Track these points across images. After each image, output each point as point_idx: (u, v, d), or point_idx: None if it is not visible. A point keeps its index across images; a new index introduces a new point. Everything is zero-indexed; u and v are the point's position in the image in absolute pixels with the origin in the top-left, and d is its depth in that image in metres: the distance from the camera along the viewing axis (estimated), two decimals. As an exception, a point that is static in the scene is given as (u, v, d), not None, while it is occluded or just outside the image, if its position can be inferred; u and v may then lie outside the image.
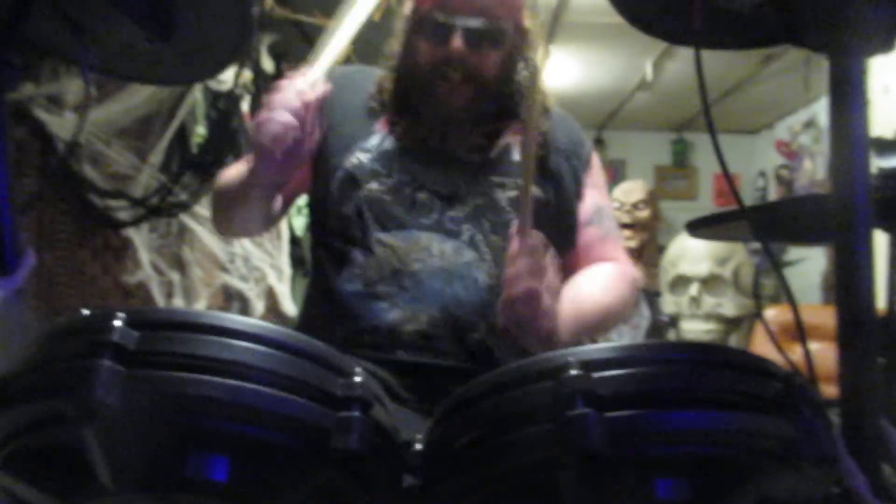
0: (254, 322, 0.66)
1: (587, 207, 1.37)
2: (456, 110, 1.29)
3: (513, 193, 1.29)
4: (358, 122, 1.33)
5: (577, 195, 1.37)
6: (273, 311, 3.61)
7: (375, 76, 1.39)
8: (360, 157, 1.29)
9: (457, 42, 1.24)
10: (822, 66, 0.82)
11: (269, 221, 1.39)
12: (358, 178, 1.28)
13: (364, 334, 1.19)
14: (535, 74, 1.22)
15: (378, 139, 1.32)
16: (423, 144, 1.31)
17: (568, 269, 1.35)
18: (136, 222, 2.63)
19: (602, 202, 1.40)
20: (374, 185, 1.27)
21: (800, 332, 0.81)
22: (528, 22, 1.35)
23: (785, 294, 0.83)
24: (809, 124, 5.28)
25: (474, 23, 1.24)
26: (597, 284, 1.30)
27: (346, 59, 3.41)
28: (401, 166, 1.28)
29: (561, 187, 1.35)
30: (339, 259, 1.27)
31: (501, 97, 1.32)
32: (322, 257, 1.32)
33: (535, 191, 1.30)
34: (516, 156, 1.33)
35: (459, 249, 1.24)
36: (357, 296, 1.23)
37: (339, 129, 1.33)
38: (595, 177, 1.41)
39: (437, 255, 1.23)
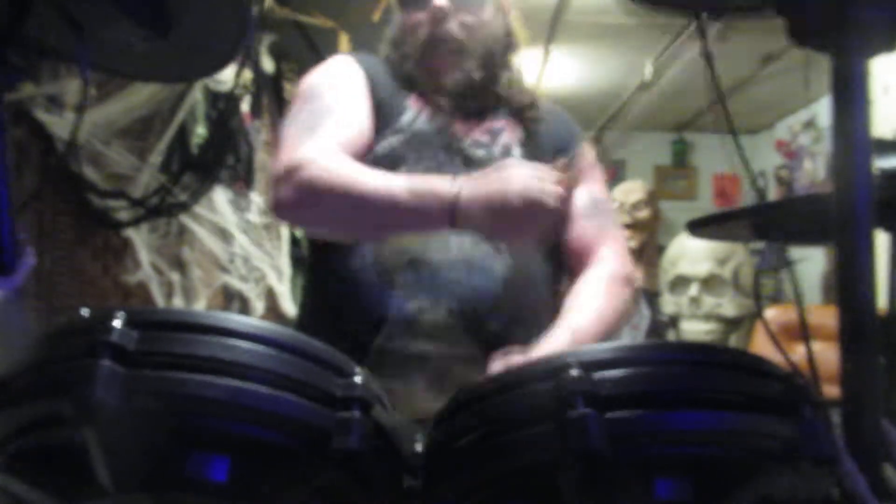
0: (254, 322, 0.66)
1: (581, 200, 1.35)
2: (444, 77, 1.30)
3: None
4: (387, 101, 1.32)
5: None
6: (273, 311, 3.61)
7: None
8: (391, 141, 1.28)
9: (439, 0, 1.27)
10: (822, 66, 0.82)
11: None
12: (388, 164, 1.25)
13: (380, 324, 1.19)
14: None
15: (411, 116, 1.31)
16: (445, 133, 1.31)
17: (565, 262, 1.36)
18: (135, 222, 2.62)
19: (597, 194, 1.38)
20: (403, 171, 1.24)
21: (804, 331, 0.81)
22: (512, 15, 1.38)
23: (793, 294, 0.83)
24: (809, 124, 5.28)
25: None
26: (590, 307, 1.24)
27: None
28: (429, 154, 1.27)
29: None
30: (353, 246, 1.25)
31: (492, 86, 1.34)
32: (330, 244, 1.29)
33: None
34: (517, 153, 1.34)
35: (477, 241, 1.23)
36: (372, 286, 1.22)
37: (374, 112, 1.31)
38: (588, 168, 1.39)
39: (454, 246, 1.22)
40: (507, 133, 1.35)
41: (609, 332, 1.25)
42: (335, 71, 1.34)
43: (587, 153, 1.42)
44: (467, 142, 1.32)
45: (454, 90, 1.32)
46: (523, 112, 1.37)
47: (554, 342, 1.17)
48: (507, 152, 1.33)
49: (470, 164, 1.29)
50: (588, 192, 1.36)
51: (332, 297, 1.28)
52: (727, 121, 0.82)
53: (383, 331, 1.19)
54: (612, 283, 1.29)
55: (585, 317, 1.23)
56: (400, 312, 1.20)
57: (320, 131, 1.21)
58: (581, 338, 1.19)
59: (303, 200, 1.15)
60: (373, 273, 1.22)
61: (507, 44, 1.38)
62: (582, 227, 1.34)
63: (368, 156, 1.26)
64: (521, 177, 1.03)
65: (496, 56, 1.35)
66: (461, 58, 1.30)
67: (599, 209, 1.36)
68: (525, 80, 1.42)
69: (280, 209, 1.19)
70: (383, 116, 1.31)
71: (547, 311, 1.30)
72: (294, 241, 3.86)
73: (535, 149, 1.36)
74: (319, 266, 1.36)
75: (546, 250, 1.32)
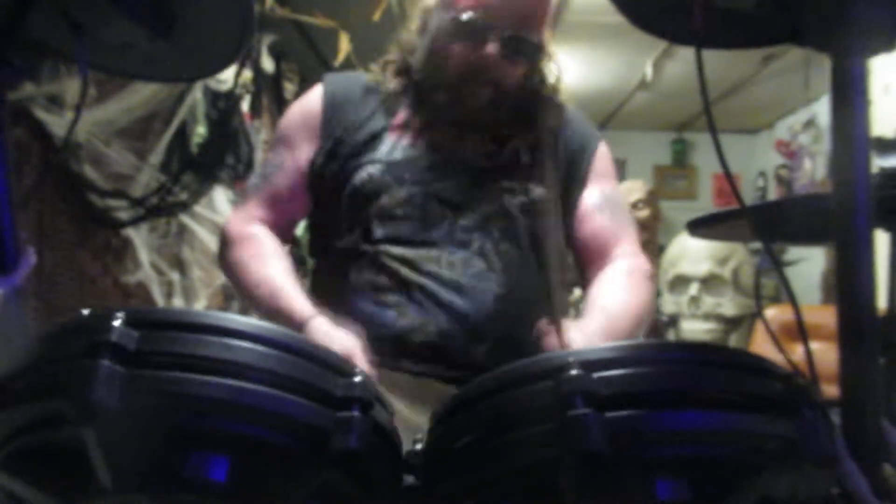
0: (254, 322, 0.66)
1: (593, 196, 1.35)
2: (472, 113, 1.28)
3: (522, 198, 1.29)
4: (365, 133, 1.31)
5: (583, 186, 1.36)
6: (273, 311, 3.60)
7: (370, 79, 1.37)
8: (369, 171, 1.27)
9: (492, 48, 1.23)
10: (822, 66, 0.82)
11: None
12: (368, 193, 1.26)
13: (370, 342, 1.16)
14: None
15: (388, 146, 1.29)
16: (434, 149, 1.29)
17: (578, 258, 1.35)
18: (136, 222, 2.62)
19: (610, 191, 1.38)
20: (385, 200, 1.25)
21: (801, 331, 0.81)
22: (547, 35, 1.36)
23: (786, 294, 0.83)
24: (809, 124, 5.28)
25: (513, 32, 1.24)
26: (620, 298, 1.23)
27: (347, 60, 3.41)
28: (412, 176, 1.27)
29: (568, 186, 1.35)
30: (347, 267, 1.26)
31: (516, 104, 1.31)
32: (327, 265, 1.32)
33: (534, 192, 1.30)
34: (525, 159, 1.32)
35: (469, 260, 1.23)
36: (365, 303, 1.22)
37: (345, 143, 1.31)
38: (603, 167, 1.39)
39: (446, 266, 1.22)
40: (517, 138, 1.33)
41: (640, 325, 1.22)
42: (296, 117, 1.39)
43: (603, 153, 1.41)
44: (472, 152, 1.30)
45: (472, 119, 1.30)
46: (540, 124, 1.35)
47: (588, 324, 1.14)
48: (514, 158, 1.32)
49: (473, 173, 1.29)
50: (600, 190, 1.36)
51: (328, 310, 1.27)
52: (710, 126, 0.82)
53: (374, 348, 1.17)
54: (636, 278, 1.28)
55: (617, 305, 1.20)
56: (390, 331, 1.19)
57: (259, 197, 1.36)
58: (614, 324, 1.16)
59: (226, 274, 1.37)
60: (368, 296, 1.22)
61: (543, 61, 1.36)
62: (594, 223, 1.34)
63: (348, 186, 1.27)
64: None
65: (531, 93, 1.34)
66: (496, 99, 1.28)
67: (611, 205, 1.36)
68: (556, 86, 1.39)
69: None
70: (353, 147, 1.30)
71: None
72: (294, 242, 3.85)
73: (550, 154, 1.34)
74: (316, 285, 1.37)
75: (545, 261, 1.31)
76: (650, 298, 1.28)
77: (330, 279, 1.29)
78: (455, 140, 1.30)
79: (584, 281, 1.34)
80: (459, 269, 1.22)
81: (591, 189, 1.36)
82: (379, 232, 1.24)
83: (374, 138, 1.30)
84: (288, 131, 1.37)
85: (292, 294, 1.20)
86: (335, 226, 1.30)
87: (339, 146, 1.31)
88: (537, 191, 1.30)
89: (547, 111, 1.36)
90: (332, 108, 1.34)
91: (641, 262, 1.33)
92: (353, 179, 1.27)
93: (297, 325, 1.15)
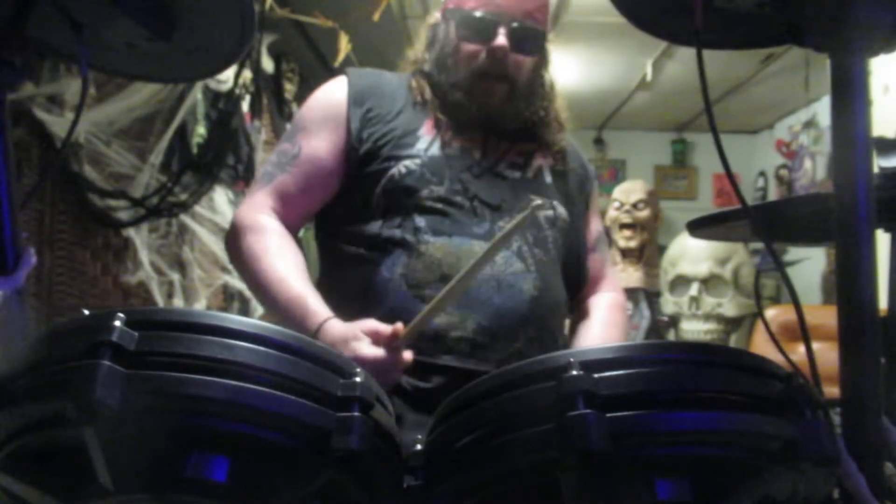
0: (254, 322, 0.66)
1: (592, 234, 1.47)
2: (491, 110, 1.32)
3: (549, 212, 1.34)
4: (400, 128, 1.33)
5: (585, 219, 1.45)
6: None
7: (403, 79, 1.39)
8: (407, 165, 1.29)
9: (500, 39, 1.28)
10: (822, 66, 0.82)
11: None
12: (409, 185, 1.27)
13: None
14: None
15: (425, 143, 1.32)
16: (468, 154, 1.33)
17: (579, 288, 1.45)
18: (136, 222, 2.62)
19: (600, 228, 1.51)
20: (426, 193, 1.27)
21: (803, 331, 0.81)
22: (549, 36, 1.40)
23: (789, 294, 0.83)
24: (809, 124, 5.28)
25: (519, 23, 1.29)
26: (602, 336, 1.40)
27: (347, 60, 3.41)
28: (451, 174, 1.29)
29: (575, 207, 1.41)
30: (378, 256, 1.26)
31: (528, 111, 1.36)
32: (346, 254, 1.30)
33: (558, 209, 1.37)
34: (548, 178, 1.38)
35: (508, 259, 1.26)
36: (402, 297, 1.22)
37: (378, 135, 1.32)
38: (596, 201, 1.52)
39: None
40: (539, 157, 1.39)
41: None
42: (318, 107, 1.37)
43: (596, 184, 1.52)
44: (503, 163, 1.34)
45: (501, 121, 1.34)
46: (553, 145, 1.41)
47: None
48: (539, 175, 1.37)
49: (506, 182, 1.33)
50: (595, 228, 1.48)
51: (356, 307, 1.25)
52: (712, 128, 0.83)
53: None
54: (615, 311, 1.45)
55: (595, 339, 1.38)
56: (428, 326, 1.19)
57: (273, 186, 1.33)
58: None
59: (235, 265, 1.35)
60: (402, 285, 1.23)
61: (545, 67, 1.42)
62: (592, 260, 1.47)
63: (383, 178, 1.28)
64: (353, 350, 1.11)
65: (540, 91, 1.39)
66: (512, 95, 1.32)
67: (601, 243, 1.50)
68: (558, 102, 1.45)
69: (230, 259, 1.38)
70: (389, 142, 1.31)
71: (562, 332, 1.37)
72: (298, 243, 3.86)
73: (563, 179, 1.41)
74: (338, 274, 1.35)
75: (566, 274, 1.39)
76: (624, 328, 1.47)
77: (352, 268, 1.28)
78: (483, 146, 1.34)
79: (574, 305, 1.47)
80: (499, 267, 1.24)
81: (591, 227, 1.48)
82: (421, 222, 1.26)
83: (410, 134, 1.32)
84: (308, 122, 1.36)
85: (305, 293, 1.21)
86: (364, 214, 1.30)
87: (371, 137, 1.31)
88: (560, 208, 1.37)
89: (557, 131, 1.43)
90: (358, 100, 1.34)
91: (619, 296, 1.51)
92: (390, 171, 1.28)
93: (312, 325, 1.16)
